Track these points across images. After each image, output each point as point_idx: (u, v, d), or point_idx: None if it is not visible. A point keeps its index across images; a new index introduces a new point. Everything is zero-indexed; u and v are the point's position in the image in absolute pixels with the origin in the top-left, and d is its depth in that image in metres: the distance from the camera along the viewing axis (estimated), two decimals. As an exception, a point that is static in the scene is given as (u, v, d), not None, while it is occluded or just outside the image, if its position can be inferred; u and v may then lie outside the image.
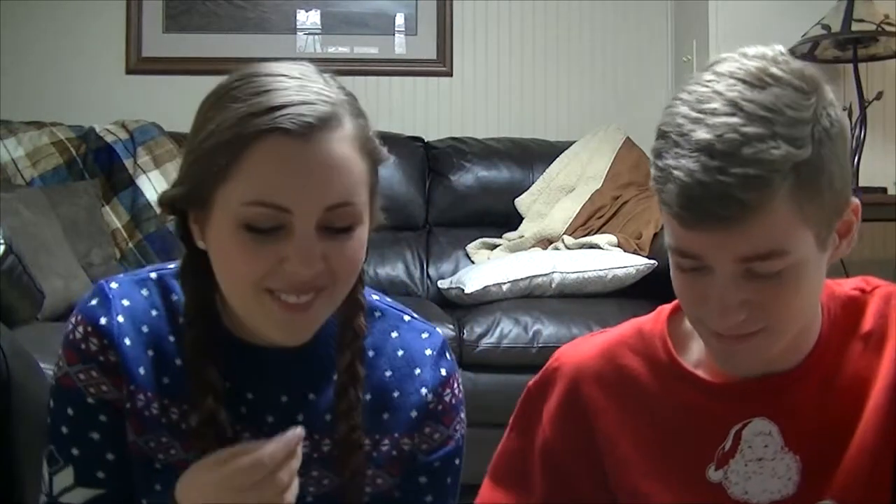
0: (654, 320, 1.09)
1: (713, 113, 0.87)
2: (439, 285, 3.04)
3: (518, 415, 1.15)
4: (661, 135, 0.91)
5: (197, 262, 0.98)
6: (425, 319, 1.13)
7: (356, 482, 1.01)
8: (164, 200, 0.97)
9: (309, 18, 3.61)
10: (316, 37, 3.62)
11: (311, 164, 0.89)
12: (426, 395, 1.05)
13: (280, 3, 3.59)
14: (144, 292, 1.02)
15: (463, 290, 2.76)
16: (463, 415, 1.11)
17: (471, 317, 2.61)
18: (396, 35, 3.64)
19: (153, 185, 3.13)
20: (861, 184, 3.00)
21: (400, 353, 1.06)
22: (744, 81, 0.88)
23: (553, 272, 2.73)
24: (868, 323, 1.02)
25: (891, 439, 0.97)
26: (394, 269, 3.17)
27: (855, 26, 2.96)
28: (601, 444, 1.07)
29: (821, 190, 0.88)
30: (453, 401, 1.09)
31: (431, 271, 3.20)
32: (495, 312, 2.60)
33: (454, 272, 3.11)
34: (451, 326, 2.56)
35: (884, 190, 3.01)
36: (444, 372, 1.08)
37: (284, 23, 3.60)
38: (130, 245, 3.09)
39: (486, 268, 2.85)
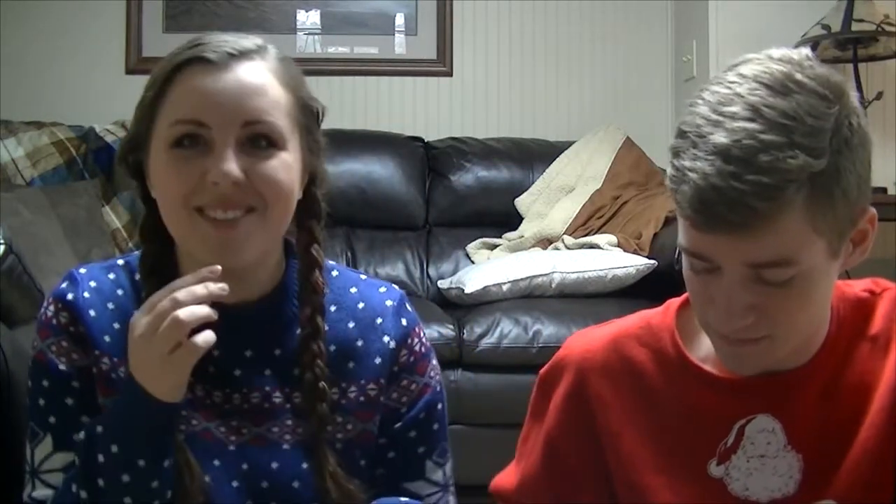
0: (662, 313, 1.09)
1: (733, 117, 0.86)
2: (439, 285, 3.04)
3: (532, 401, 1.16)
4: (680, 133, 0.91)
5: (154, 221, 1.06)
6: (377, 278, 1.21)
7: (323, 428, 1.06)
8: (120, 155, 1.08)
9: (309, 18, 3.61)
10: (316, 37, 3.62)
11: (227, 84, 0.99)
12: (389, 342, 1.11)
13: (280, 3, 3.59)
14: (111, 276, 1.10)
15: (463, 290, 2.76)
16: (435, 361, 1.16)
17: (471, 317, 2.61)
18: (396, 35, 3.64)
19: (153, 185, 3.13)
20: (861, 184, 3.00)
21: (360, 305, 1.13)
22: (767, 86, 0.87)
23: (553, 272, 2.73)
24: (876, 325, 1.01)
25: (893, 441, 0.96)
26: (394, 269, 3.17)
27: (855, 26, 2.96)
28: (604, 436, 1.07)
29: (834, 200, 0.88)
30: (423, 349, 1.14)
31: (431, 271, 3.20)
32: (495, 312, 2.60)
33: (454, 272, 3.11)
34: (451, 326, 2.56)
35: (884, 190, 3.02)
36: (405, 322, 1.13)
37: (284, 23, 3.60)
38: (130, 245, 3.09)
39: (486, 268, 2.85)
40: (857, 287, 1.05)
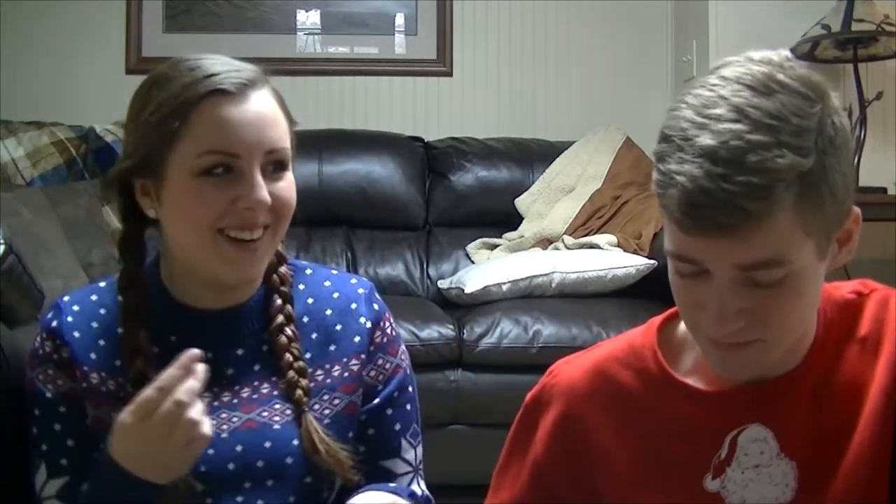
0: (644, 333, 1.08)
1: (718, 119, 0.86)
2: (439, 285, 3.04)
3: (514, 431, 1.15)
4: (665, 138, 0.90)
5: (133, 238, 1.15)
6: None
7: (306, 401, 1.14)
8: (115, 175, 1.12)
9: (309, 18, 3.61)
10: (316, 37, 3.62)
11: (249, 115, 1.07)
12: (365, 322, 1.20)
13: (280, 3, 3.59)
14: (94, 297, 1.17)
15: (463, 290, 2.76)
16: (404, 346, 1.26)
17: (471, 317, 2.61)
18: (396, 35, 3.64)
19: (153, 185, 3.14)
20: (861, 184, 3.00)
21: (335, 294, 1.22)
22: (750, 87, 0.87)
23: (553, 272, 2.73)
24: (864, 327, 1.00)
25: (887, 444, 0.96)
26: (394, 269, 3.17)
27: (855, 26, 2.96)
28: (597, 462, 1.06)
29: (823, 199, 0.87)
30: (393, 332, 1.24)
31: (431, 271, 3.20)
32: (495, 312, 2.60)
33: (454, 272, 3.11)
34: (451, 326, 2.56)
35: (884, 190, 3.01)
36: (377, 307, 1.23)
37: (284, 23, 3.59)
38: (130, 245, 3.09)
39: (486, 268, 2.85)
40: (845, 289, 1.04)
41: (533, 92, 3.67)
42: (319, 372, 1.17)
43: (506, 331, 2.54)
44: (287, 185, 1.11)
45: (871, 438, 0.96)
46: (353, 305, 1.21)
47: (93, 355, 1.12)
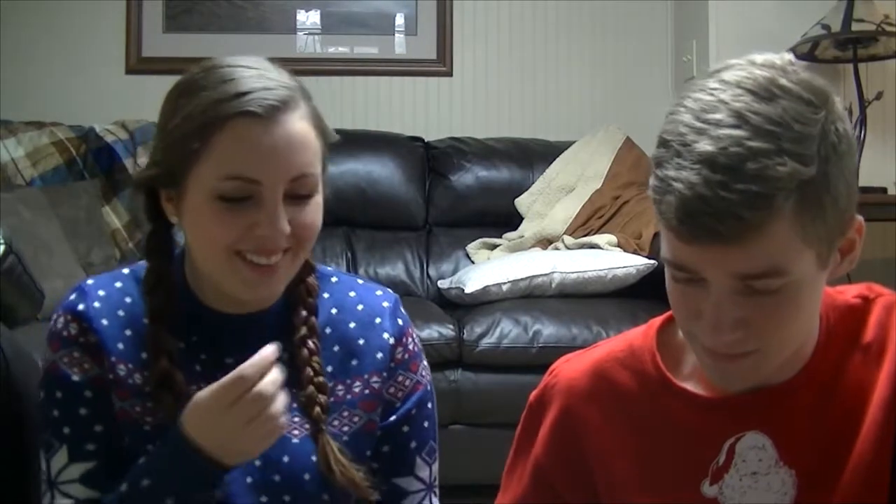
0: (643, 334, 1.07)
1: (717, 124, 0.84)
2: (439, 285, 3.04)
3: (520, 431, 1.14)
4: (663, 143, 0.88)
5: (161, 237, 1.12)
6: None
7: (324, 418, 1.11)
8: (140, 181, 1.09)
9: (309, 18, 3.61)
10: (316, 37, 3.62)
11: (276, 141, 1.02)
12: (388, 338, 1.18)
13: (280, 3, 3.59)
14: (118, 284, 1.14)
15: (463, 290, 2.76)
16: (425, 362, 1.22)
17: (471, 317, 2.61)
18: (396, 35, 3.64)
19: (153, 185, 3.13)
20: (861, 184, 2.98)
21: (360, 307, 1.19)
22: (751, 92, 0.85)
23: (553, 272, 2.73)
24: (869, 334, 0.98)
25: (887, 458, 0.94)
26: (394, 269, 3.17)
27: (855, 26, 2.96)
28: (594, 462, 1.05)
29: (824, 209, 0.85)
30: (415, 349, 1.21)
31: (431, 271, 3.20)
32: (495, 312, 2.60)
33: (454, 272, 3.11)
34: (451, 326, 2.56)
35: (884, 190, 3.01)
36: (401, 322, 1.20)
37: (284, 23, 3.59)
38: (130, 245, 3.09)
39: (486, 268, 2.85)
40: (850, 293, 1.02)
41: (533, 92, 3.67)
42: (340, 387, 1.15)
43: (506, 331, 2.54)
44: (311, 210, 1.07)
45: (871, 450, 0.94)
46: (378, 320, 1.18)
47: (120, 345, 1.10)
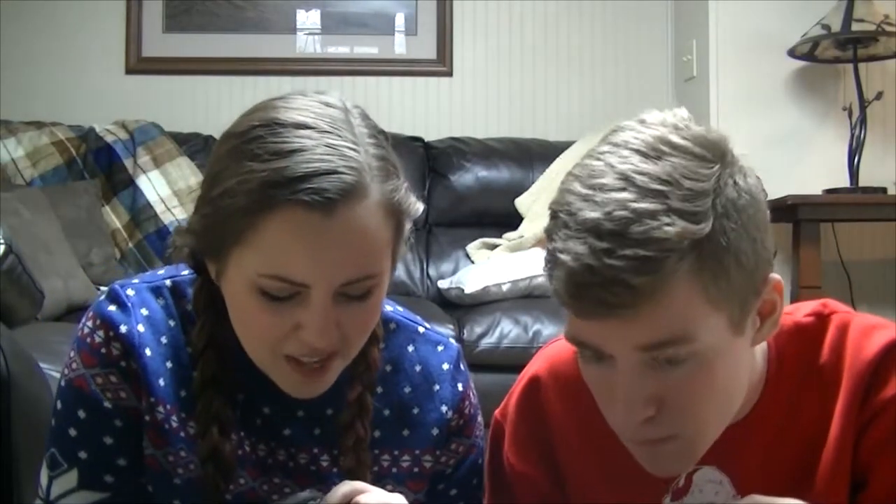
0: None
1: (602, 188, 0.79)
2: (439, 285, 3.04)
3: (488, 456, 1.10)
4: (552, 214, 0.83)
5: (210, 292, 0.96)
6: (436, 329, 1.13)
7: None
8: (177, 244, 0.95)
9: (309, 18, 3.61)
10: (316, 37, 3.61)
11: (330, 240, 0.85)
12: (446, 412, 1.05)
13: (280, 3, 3.59)
14: (161, 301, 1.00)
15: (463, 290, 2.76)
16: (480, 417, 1.10)
17: (471, 317, 2.61)
18: (396, 35, 3.64)
19: (153, 185, 3.14)
20: (861, 184, 3.01)
21: (418, 368, 1.06)
22: (638, 152, 0.81)
23: (553, 272, 2.72)
24: (824, 355, 0.94)
25: (844, 491, 0.91)
26: (394, 269, 3.17)
27: (855, 26, 2.96)
28: (559, 450, 1.03)
29: (727, 268, 0.80)
30: (472, 411, 1.08)
31: (431, 271, 3.20)
32: (495, 312, 2.60)
33: (454, 272, 3.11)
34: (451, 326, 2.56)
35: (884, 190, 3.01)
36: (460, 387, 1.07)
37: (284, 23, 3.59)
38: (130, 245, 3.09)
39: (486, 268, 2.85)
40: (802, 311, 0.96)
41: (533, 92, 3.67)
42: (386, 457, 1.03)
43: (506, 331, 2.54)
44: (367, 310, 0.91)
45: (830, 484, 0.91)
46: (436, 388, 1.05)
47: (161, 381, 0.97)
